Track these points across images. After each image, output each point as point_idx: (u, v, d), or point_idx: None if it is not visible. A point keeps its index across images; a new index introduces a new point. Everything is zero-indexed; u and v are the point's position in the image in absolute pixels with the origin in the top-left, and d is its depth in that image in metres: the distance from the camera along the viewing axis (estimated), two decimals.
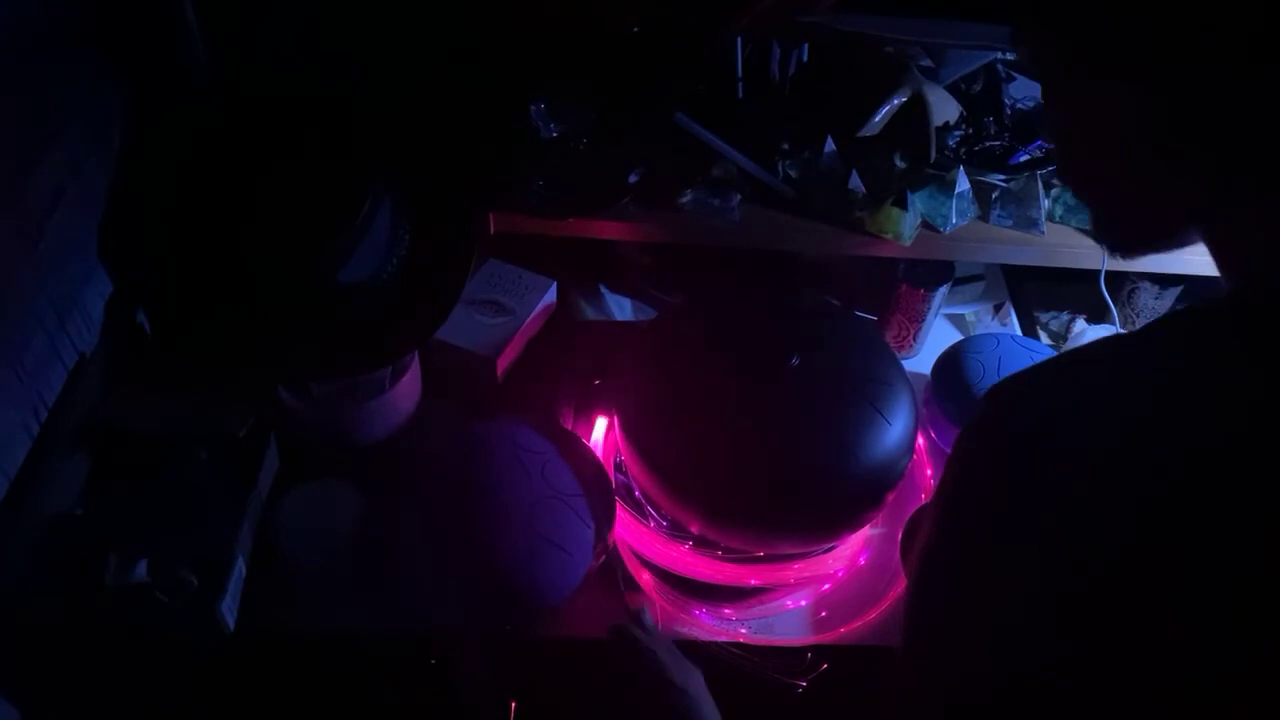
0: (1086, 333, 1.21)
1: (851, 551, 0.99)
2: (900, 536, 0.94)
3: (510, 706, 0.84)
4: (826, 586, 0.97)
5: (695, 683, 0.74)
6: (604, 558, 0.92)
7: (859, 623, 0.94)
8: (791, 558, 0.93)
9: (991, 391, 0.46)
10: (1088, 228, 1.11)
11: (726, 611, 0.94)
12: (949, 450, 0.46)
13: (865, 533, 0.99)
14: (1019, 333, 1.27)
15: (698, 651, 0.90)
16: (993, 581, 0.41)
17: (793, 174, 1.09)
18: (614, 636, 0.78)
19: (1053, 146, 1.07)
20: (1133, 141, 0.46)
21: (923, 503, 1.03)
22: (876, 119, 1.07)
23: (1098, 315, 1.24)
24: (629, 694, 0.74)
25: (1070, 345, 1.21)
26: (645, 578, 0.95)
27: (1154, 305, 1.22)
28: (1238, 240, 0.45)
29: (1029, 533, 0.40)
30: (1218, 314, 0.43)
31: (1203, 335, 0.42)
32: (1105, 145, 0.48)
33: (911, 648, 0.46)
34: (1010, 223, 1.10)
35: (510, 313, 1.13)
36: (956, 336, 1.24)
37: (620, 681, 0.75)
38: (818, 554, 0.94)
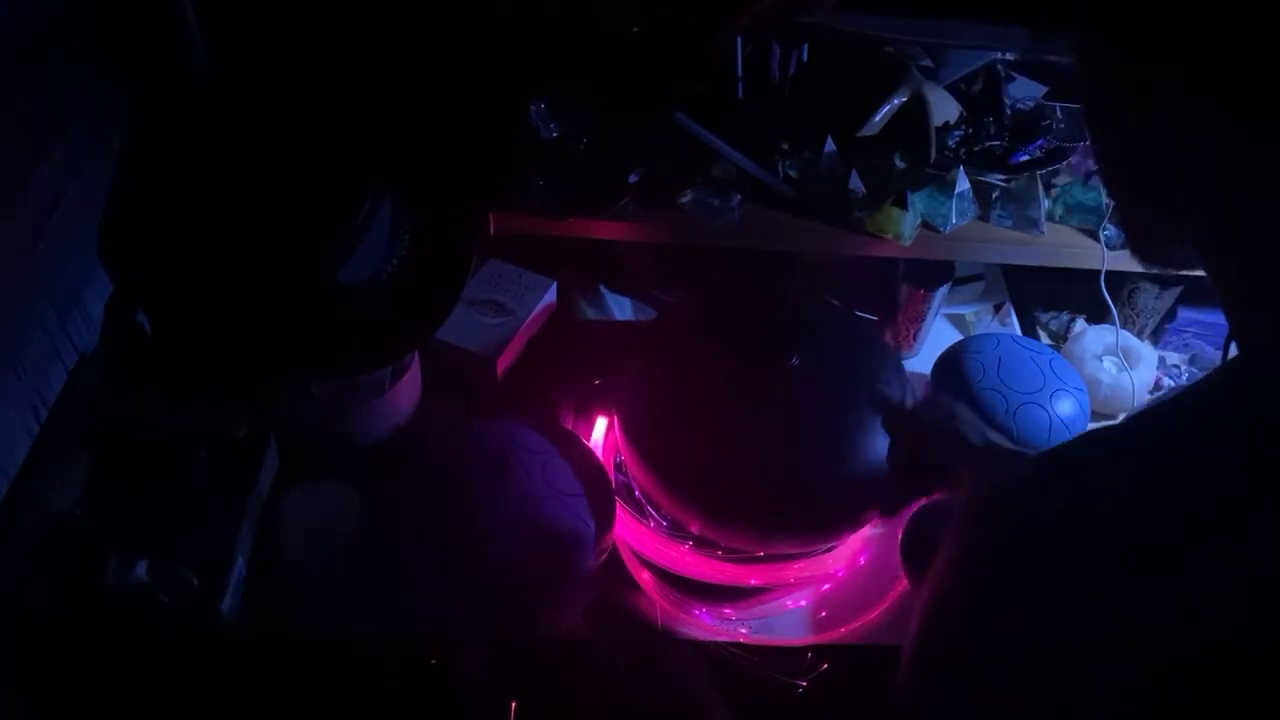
0: (1087, 332, 1.21)
1: (851, 551, 0.99)
2: (900, 537, 0.94)
3: (510, 706, 0.84)
4: (826, 586, 0.97)
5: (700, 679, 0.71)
6: (604, 558, 0.92)
7: (859, 623, 0.94)
8: (791, 558, 0.93)
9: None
10: (1088, 228, 1.12)
11: (726, 611, 0.94)
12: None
13: (865, 533, 0.99)
14: (1019, 333, 1.27)
15: (697, 652, 0.90)
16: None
17: (793, 174, 1.09)
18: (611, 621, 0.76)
19: (1052, 145, 1.07)
20: (1176, 173, 0.44)
21: (923, 502, 1.03)
22: (876, 119, 1.06)
23: (1098, 315, 1.24)
24: (644, 687, 0.71)
25: (1070, 345, 1.21)
26: (645, 577, 0.95)
27: (1154, 305, 1.22)
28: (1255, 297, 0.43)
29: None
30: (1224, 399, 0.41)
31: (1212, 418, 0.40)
32: (1147, 168, 0.46)
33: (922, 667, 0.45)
34: (1010, 223, 1.10)
35: (510, 313, 1.13)
36: (956, 336, 1.24)
37: (636, 670, 0.72)
38: (818, 554, 0.94)
